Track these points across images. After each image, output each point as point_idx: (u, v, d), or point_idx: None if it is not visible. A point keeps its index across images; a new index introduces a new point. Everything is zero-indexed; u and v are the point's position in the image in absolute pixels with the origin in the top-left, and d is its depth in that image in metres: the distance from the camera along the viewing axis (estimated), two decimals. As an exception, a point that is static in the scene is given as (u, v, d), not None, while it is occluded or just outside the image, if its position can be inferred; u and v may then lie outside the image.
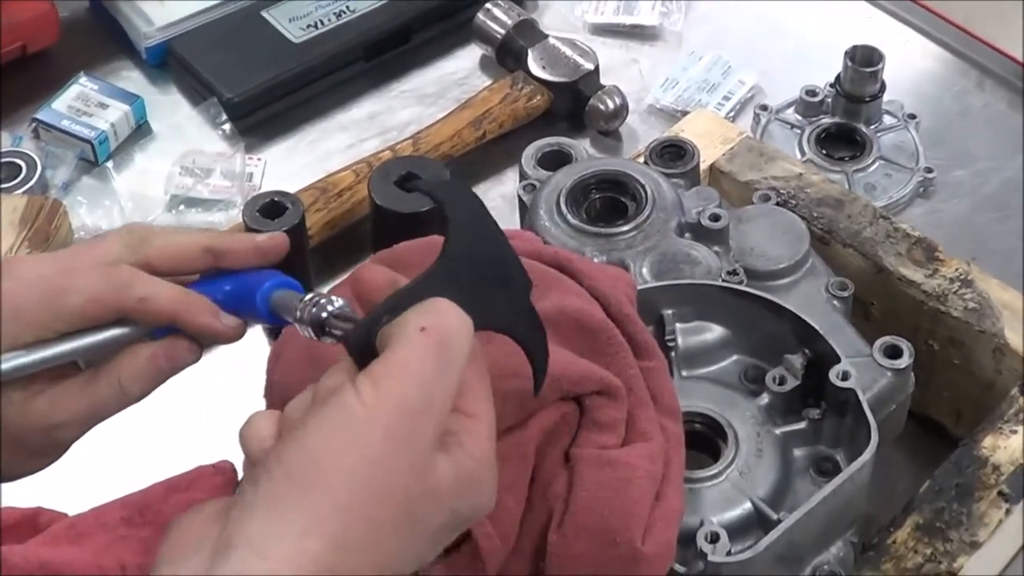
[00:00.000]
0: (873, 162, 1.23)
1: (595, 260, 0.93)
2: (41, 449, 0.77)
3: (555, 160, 1.07)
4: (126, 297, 0.72)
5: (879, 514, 0.89)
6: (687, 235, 0.98)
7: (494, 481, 0.65)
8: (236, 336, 0.76)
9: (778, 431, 0.86)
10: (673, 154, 1.05)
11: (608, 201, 1.00)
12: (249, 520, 0.61)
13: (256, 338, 1.10)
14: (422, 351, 0.62)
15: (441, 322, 0.63)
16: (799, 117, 1.27)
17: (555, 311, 0.79)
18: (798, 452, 0.86)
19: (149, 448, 1.01)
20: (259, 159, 1.24)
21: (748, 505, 0.82)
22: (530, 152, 1.07)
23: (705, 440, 0.86)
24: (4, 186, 1.18)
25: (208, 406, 1.05)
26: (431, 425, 0.62)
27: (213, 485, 0.97)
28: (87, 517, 0.94)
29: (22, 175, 1.19)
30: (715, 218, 0.97)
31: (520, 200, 1.04)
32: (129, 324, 0.73)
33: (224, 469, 0.98)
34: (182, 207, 1.18)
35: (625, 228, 0.97)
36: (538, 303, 0.81)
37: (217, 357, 1.08)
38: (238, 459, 0.98)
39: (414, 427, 0.61)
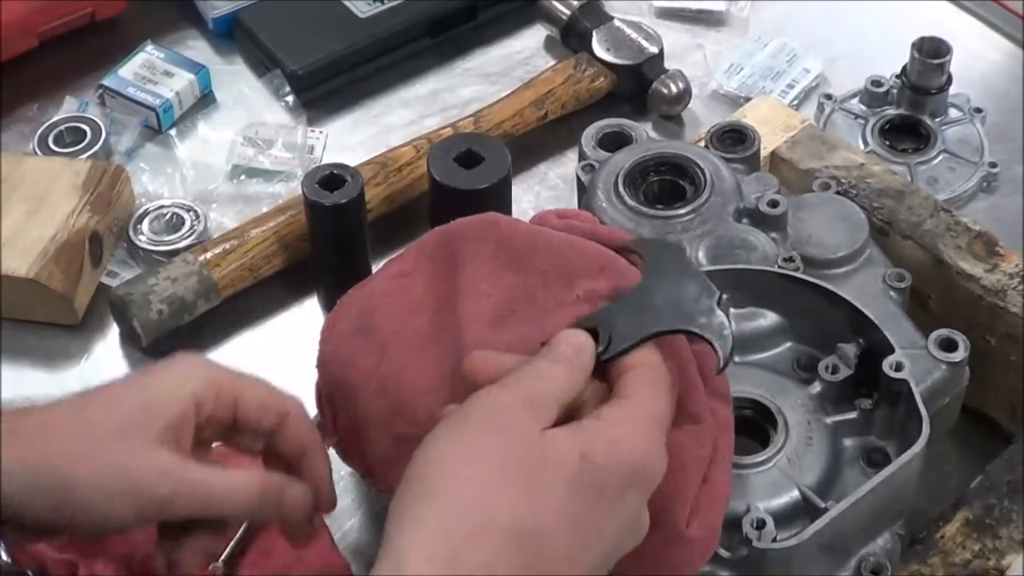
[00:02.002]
0: (937, 155, 1.22)
1: (651, 242, 0.93)
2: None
3: (615, 141, 1.06)
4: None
5: (929, 508, 0.89)
6: (745, 220, 0.97)
7: (652, 443, 0.67)
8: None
9: (829, 420, 0.86)
10: (734, 139, 1.05)
11: (667, 184, 1.00)
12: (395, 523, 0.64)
13: (310, 309, 1.11)
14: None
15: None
16: (863, 107, 1.25)
17: (609, 290, 0.79)
18: (848, 442, 0.86)
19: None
20: (321, 132, 1.24)
21: (795, 493, 0.81)
22: (590, 132, 1.07)
23: (755, 426, 0.85)
24: (69, 150, 1.19)
25: (262, 376, 1.05)
26: (533, 413, 0.66)
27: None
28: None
29: (87, 140, 1.20)
30: (773, 204, 0.96)
31: (579, 180, 1.04)
32: None
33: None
34: (243, 177, 1.19)
35: (682, 211, 0.96)
36: (593, 283, 0.82)
37: (272, 328, 1.10)
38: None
39: (509, 416, 0.66)
